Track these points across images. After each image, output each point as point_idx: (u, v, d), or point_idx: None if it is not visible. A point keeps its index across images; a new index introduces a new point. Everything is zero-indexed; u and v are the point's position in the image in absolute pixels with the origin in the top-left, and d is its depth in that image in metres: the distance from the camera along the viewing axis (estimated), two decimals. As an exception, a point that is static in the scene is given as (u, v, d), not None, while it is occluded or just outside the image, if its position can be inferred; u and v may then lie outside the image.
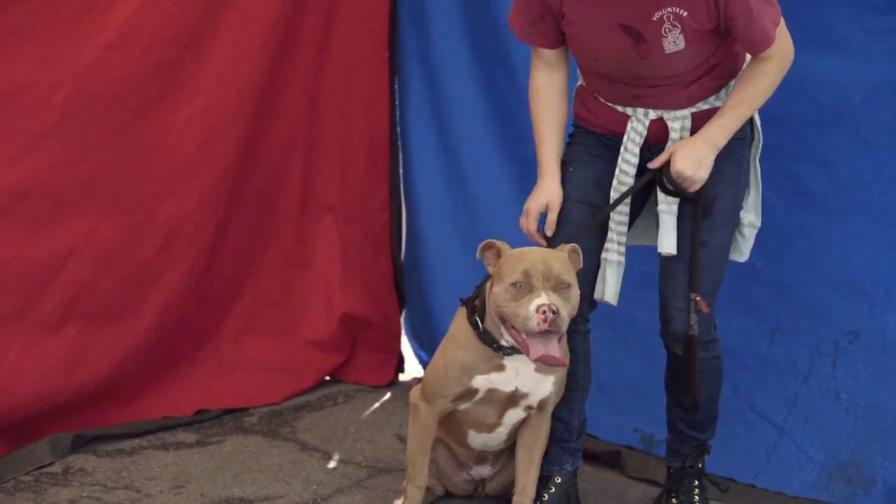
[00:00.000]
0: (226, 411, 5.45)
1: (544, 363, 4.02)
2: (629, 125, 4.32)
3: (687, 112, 4.28)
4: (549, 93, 4.41)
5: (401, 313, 5.90)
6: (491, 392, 4.27)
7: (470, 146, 5.50)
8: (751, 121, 4.34)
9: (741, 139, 4.30)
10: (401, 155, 5.79)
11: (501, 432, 4.38)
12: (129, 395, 5.27)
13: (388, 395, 5.73)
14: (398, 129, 5.77)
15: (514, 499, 4.41)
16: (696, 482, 4.48)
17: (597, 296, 4.41)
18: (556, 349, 4.01)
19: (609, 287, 4.39)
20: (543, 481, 4.48)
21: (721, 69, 4.25)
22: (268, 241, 5.67)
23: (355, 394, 5.73)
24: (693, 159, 4.20)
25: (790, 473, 4.69)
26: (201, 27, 5.24)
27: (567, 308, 4.03)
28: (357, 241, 5.80)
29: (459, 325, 4.29)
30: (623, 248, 4.38)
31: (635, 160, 4.33)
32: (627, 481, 4.87)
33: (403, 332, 5.93)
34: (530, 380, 4.24)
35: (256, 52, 5.40)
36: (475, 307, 4.22)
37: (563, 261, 4.09)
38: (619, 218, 4.36)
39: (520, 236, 5.27)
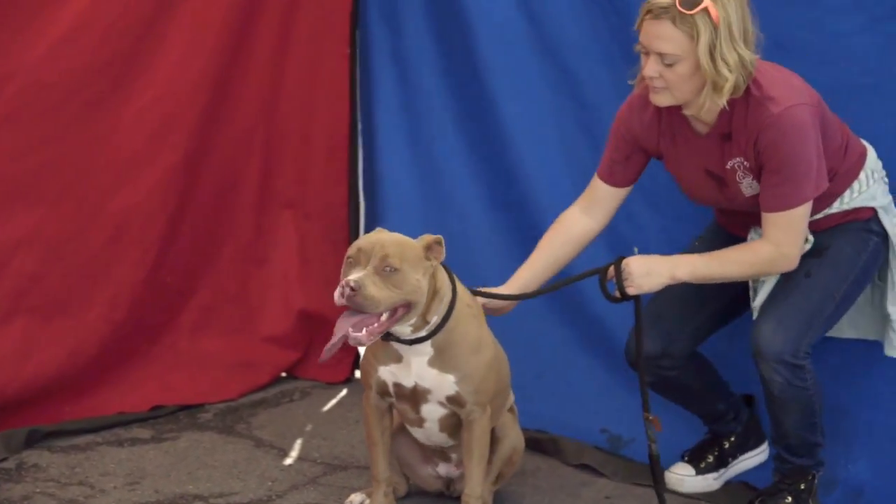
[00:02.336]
0: (181, 407, 5.43)
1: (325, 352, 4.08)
2: (749, 236, 4.43)
3: None
4: (566, 232, 4.53)
5: (359, 310, 5.89)
6: (397, 387, 4.28)
7: (441, 143, 5.50)
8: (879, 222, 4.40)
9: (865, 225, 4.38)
10: (361, 151, 5.79)
11: (432, 427, 4.37)
12: (83, 390, 5.24)
13: (344, 392, 5.71)
14: (360, 126, 5.76)
15: (462, 498, 4.40)
16: (789, 499, 4.42)
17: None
18: (361, 332, 4.03)
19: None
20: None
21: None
22: (225, 237, 5.65)
23: (312, 390, 5.71)
24: (647, 268, 4.29)
25: (753, 472, 4.70)
26: (155, 19, 5.22)
27: (384, 291, 4.00)
28: (315, 237, 5.79)
29: None
30: None
31: None
32: (585, 477, 4.86)
33: (361, 328, 5.91)
34: (426, 375, 4.23)
35: (212, 45, 5.38)
36: None
37: (404, 246, 4.07)
38: None
39: (490, 231, 5.29)
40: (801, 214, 4.20)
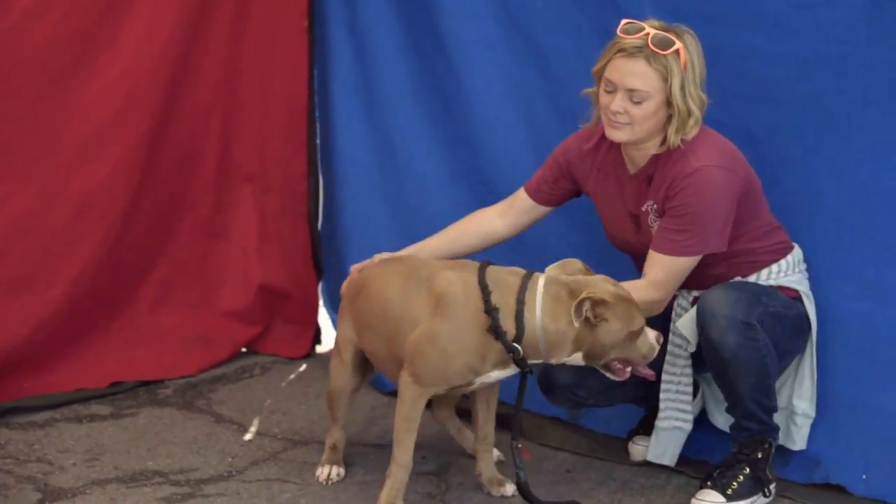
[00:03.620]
0: (141, 383, 5.41)
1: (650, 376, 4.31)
2: (675, 301, 4.53)
3: None
4: (475, 223, 4.75)
5: (318, 284, 5.87)
6: (482, 385, 4.38)
7: (398, 116, 5.46)
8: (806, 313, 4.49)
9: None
10: (318, 125, 5.76)
11: None
12: (43, 367, 5.22)
13: (304, 367, 5.71)
14: (317, 99, 5.73)
15: (479, 447, 4.50)
16: (747, 471, 4.41)
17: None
18: None
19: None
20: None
21: (724, 266, 4.43)
22: (185, 211, 5.62)
23: (272, 365, 5.70)
24: None
25: (712, 445, 4.71)
26: (118, -5, 5.20)
27: None
28: (275, 211, 5.77)
29: (472, 338, 4.21)
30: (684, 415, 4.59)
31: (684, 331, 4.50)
32: (546, 451, 4.87)
33: (321, 303, 5.90)
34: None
35: (173, 20, 5.35)
36: (503, 331, 4.17)
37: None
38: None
39: (450, 205, 5.26)
40: (683, 265, 4.34)
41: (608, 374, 4.25)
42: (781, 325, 4.39)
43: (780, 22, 4.48)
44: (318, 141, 5.78)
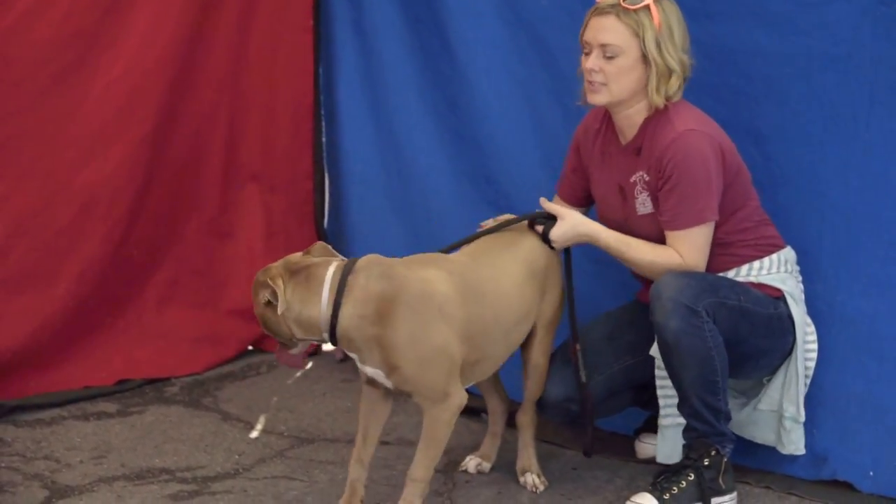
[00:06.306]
0: (147, 381, 5.42)
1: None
2: None
3: None
4: None
5: (324, 282, 5.87)
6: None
7: (404, 115, 5.48)
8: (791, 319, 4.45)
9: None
10: (324, 123, 5.77)
11: None
12: (49, 364, 5.22)
13: (310, 365, 5.70)
14: (322, 98, 5.73)
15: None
16: (691, 477, 4.34)
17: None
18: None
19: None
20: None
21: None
22: (190, 210, 5.63)
23: (278, 363, 5.67)
24: (567, 237, 4.42)
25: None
26: (121, -7, 5.20)
27: None
28: (281, 210, 5.78)
29: None
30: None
31: None
32: (553, 449, 4.87)
33: (327, 301, 5.90)
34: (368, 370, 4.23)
35: (176, 18, 5.37)
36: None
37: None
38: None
39: (455, 203, 5.27)
40: (700, 234, 4.33)
41: None
42: (749, 321, 4.35)
43: (786, 20, 4.49)
44: (323, 139, 5.79)
